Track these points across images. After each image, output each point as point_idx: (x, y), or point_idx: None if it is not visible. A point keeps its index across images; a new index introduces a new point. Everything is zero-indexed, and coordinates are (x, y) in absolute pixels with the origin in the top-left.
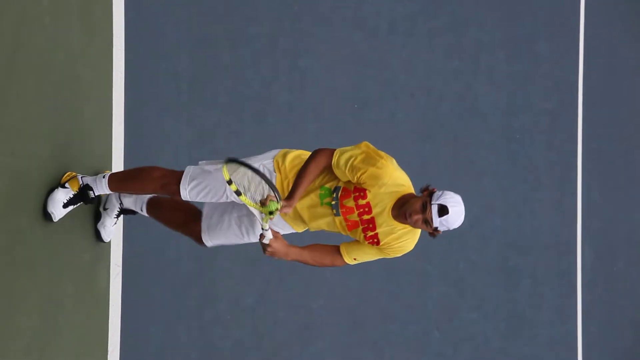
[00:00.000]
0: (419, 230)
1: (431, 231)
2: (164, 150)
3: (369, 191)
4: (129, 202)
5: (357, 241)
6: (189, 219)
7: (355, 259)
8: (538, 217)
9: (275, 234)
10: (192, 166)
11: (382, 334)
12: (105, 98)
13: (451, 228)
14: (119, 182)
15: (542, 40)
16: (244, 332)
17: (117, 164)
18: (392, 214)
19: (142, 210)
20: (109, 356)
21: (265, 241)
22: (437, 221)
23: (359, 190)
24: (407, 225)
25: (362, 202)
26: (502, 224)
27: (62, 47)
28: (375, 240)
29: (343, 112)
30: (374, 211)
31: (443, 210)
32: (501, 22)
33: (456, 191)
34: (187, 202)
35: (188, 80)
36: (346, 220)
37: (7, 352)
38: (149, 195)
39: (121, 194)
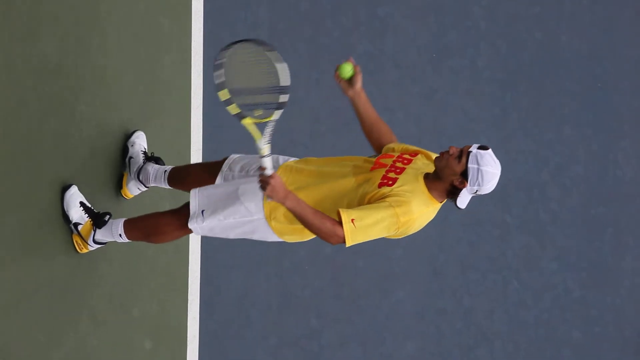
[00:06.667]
0: (433, 209)
1: (458, 153)
2: None
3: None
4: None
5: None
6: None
7: (353, 220)
8: (620, 166)
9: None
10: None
11: (462, 283)
12: (185, 49)
13: (482, 168)
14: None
15: None
16: (324, 281)
17: (196, 115)
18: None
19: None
20: (189, 304)
21: (268, 172)
22: (473, 147)
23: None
24: (429, 201)
25: (407, 156)
26: (585, 172)
27: None
28: (391, 182)
29: (422, 60)
30: (410, 166)
31: (483, 147)
32: None
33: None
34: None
35: (267, 30)
36: (377, 161)
37: (91, 298)
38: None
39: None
